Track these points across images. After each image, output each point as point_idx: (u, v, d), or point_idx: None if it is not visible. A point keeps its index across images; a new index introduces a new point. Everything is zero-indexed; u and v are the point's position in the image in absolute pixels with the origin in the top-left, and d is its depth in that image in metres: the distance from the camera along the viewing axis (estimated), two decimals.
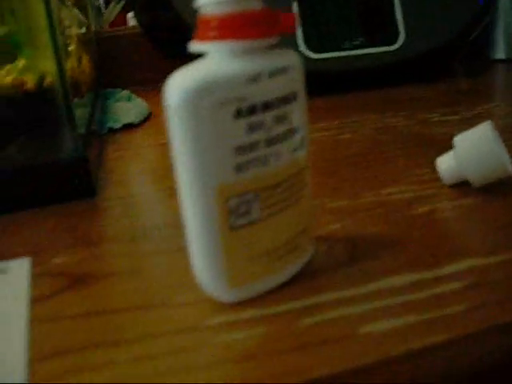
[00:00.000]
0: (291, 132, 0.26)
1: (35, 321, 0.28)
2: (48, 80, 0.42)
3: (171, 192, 0.43)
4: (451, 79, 0.70)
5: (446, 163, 0.38)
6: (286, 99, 0.26)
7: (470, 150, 0.36)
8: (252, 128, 0.25)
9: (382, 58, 0.65)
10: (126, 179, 0.47)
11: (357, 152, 0.47)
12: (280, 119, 0.26)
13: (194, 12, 0.63)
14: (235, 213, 0.25)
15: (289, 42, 0.65)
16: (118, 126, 0.60)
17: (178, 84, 0.24)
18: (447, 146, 0.46)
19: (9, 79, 0.48)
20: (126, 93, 0.68)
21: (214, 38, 0.24)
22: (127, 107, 0.63)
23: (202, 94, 0.23)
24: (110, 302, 0.29)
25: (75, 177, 0.42)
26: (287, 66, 0.26)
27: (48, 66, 0.42)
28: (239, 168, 0.25)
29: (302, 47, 0.65)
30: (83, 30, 0.65)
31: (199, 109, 0.24)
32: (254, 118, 0.25)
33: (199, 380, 0.23)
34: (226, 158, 0.24)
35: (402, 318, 0.26)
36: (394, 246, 0.32)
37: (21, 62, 0.53)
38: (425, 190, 0.39)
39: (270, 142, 0.25)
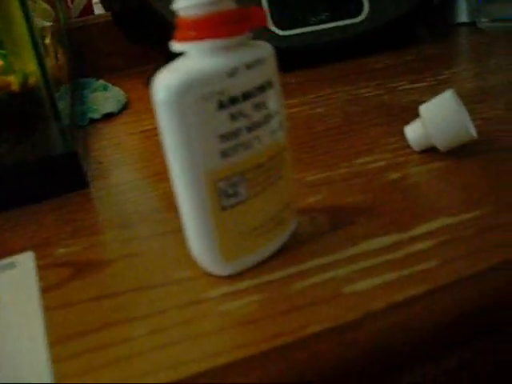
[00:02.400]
0: (269, 116, 0.30)
1: (49, 308, 0.31)
2: (32, 80, 0.44)
3: (158, 178, 0.46)
4: (416, 46, 0.73)
5: (413, 131, 0.41)
6: (263, 87, 0.29)
7: (435, 118, 0.39)
8: (234, 117, 0.28)
9: (348, 31, 0.68)
10: (113, 168, 0.50)
11: (330, 125, 0.50)
12: (258, 106, 0.29)
13: None
14: (224, 194, 0.28)
15: None
16: (98, 116, 0.62)
17: (164, 82, 0.27)
18: (416, 114, 0.49)
19: None
20: (101, 82, 0.70)
21: (194, 38, 0.27)
22: (105, 97, 0.65)
23: (185, 90, 0.26)
24: (116, 285, 0.33)
25: (66, 171, 0.45)
26: (262, 57, 0.29)
27: (30, 66, 0.44)
28: (225, 154, 0.28)
29: (270, 25, 0.68)
30: (51, 22, 0.67)
31: (183, 104, 0.27)
32: (235, 108, 0.28)
33: (212, 344, 0.27)
34: (212, 146, 0.27)
35: (382, 276, 0.29)
36: (371, 212, 0.35)
37: None
38: (396, 158, 0.42)
39: (251, 127, 0.29)
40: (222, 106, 0.27)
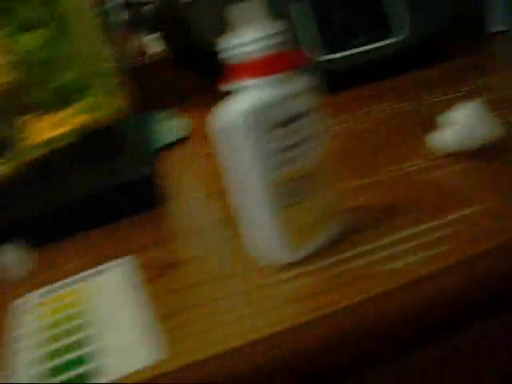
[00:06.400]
0: (312, 137, 0.39)
1: (152, 294, 0.42)
2: (118, 115, 0.55)
3: (221, 195, 0.56)
4: (453, 58, 0.82)
5: (442, 137, 0.50)
6: (307, 112, 0.38)
7: (465, 121, 0.48)
8: (286, 136, 0.37)
9: (385, 51, 0.78)
10: (182, 188, 0.60)
11: (370, 139, 0.60)
12: (304, 128, 0.38)
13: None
14: (284, 196, 0.38)
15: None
16: (164, 144, 0.73)
17: (233, 109, 0.37)
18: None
19: (79, 119, 0.61)
20: (163, 114, 0.82)
21: (252, 75, 0.37)
22: (169, 126, 0.76)
23: (248, 115, 0.36)
24: (198, 277, 0.43)
25: (145, 192, 0.55)
26: (305, 88, 0.38)
27: (118, 102, 0.55)
28: (280, 165, 0.38)
29: (320, 50, 0.78)
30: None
31: (248, 126, 0.36)
32: (286, 129, 0.37)
33: (279, 315, 0.36)
34: (271, 159, 0.37)
35: (415, 256, 0.38)
36: (408, 207, 0.45)
37: (81, 104, 0.66)
38: (427, 162, 0.51)
39: (300, 144, 0.38)
40: (276, 126, 0.37)
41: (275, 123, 0.37)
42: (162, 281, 0.44)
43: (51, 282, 0.48)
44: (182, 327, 0.38)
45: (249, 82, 0.37)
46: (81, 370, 0.36)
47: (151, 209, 0.56)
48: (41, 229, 0.54)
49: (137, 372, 0.35)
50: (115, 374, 0.35)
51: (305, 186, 0.39)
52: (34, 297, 0.46)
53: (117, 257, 0.49)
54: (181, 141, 0.76)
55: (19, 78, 0.72)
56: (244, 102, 0.37)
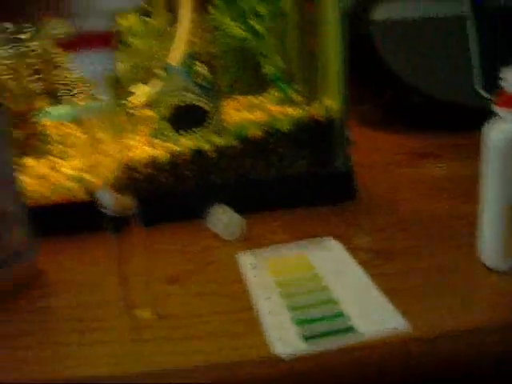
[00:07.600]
0: None
1: (372, 275, 0.49)
2: (331, 113, 0.62)
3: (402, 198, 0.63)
4: None
5: None
6: None
7: None
8: None
9: None
10: (367, 188, 0.67)
11: None
12: None
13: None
14: None
15: (467, 82, 0.83)
16: None
17: (495, 134, 0.44)
18: None
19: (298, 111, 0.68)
20: None
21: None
22: None
23: (507, 141, 0.43)
24: (413, 264, 0.50)
25: (344, 185, 0.62)
26: None
27: (331, 101, 0.63)
28: None
29: (478, 87, 0.83)
30: None
31: (505, 150, 0.43)
32: None
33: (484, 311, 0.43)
34: None
35: None
36: None
37: (275, 93, 0.74)
38: None
39: None
40: None
41: None
42: (375, 263, 0.51)
43: (261, 246, 0.55)
44: (406, 305, 0.44)
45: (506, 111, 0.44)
46: (333, 325, 0.43)
47: (343, 201, 0.63)
48: (247, 198, 0.62)
49: (389, 333, 0.41)
50: (370, 332, 0.42)
51: None
52: (255, 255, 0.53)
53: (320, 236, 0.56)
54: None
55: (224, 61, 0.80)
56: (505, 129, 0.44)
